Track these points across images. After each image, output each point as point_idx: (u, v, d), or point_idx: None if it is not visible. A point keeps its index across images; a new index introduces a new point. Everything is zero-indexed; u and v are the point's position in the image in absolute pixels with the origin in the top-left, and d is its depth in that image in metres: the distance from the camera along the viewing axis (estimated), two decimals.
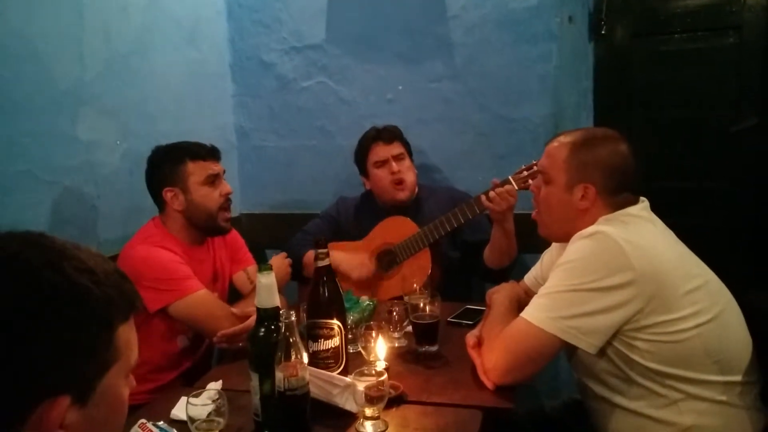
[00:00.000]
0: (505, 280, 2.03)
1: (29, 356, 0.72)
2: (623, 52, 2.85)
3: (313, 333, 1.64)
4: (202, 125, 2.84)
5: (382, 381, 1.43)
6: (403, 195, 2.61)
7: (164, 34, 2.67)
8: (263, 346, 1.41)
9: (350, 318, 1.92)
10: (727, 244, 2.67)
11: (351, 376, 1.50)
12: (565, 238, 1.65)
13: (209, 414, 1.40)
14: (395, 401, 1.55)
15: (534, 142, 2.72)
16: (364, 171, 2.71)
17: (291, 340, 1.36)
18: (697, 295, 1.50)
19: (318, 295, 1.67)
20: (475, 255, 2.51)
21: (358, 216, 2.74)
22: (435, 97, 2.91)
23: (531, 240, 2.16)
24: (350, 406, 1.47)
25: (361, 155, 2.70)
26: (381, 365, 1.65)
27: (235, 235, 2.39)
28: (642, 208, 1.63)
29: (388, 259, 2.59)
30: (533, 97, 2.76)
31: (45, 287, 0.74)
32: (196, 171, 2.12)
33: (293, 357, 1.36)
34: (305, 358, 1.39)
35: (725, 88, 2.72)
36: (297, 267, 2.47)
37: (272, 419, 1.41)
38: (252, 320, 1.67)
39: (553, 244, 1.93)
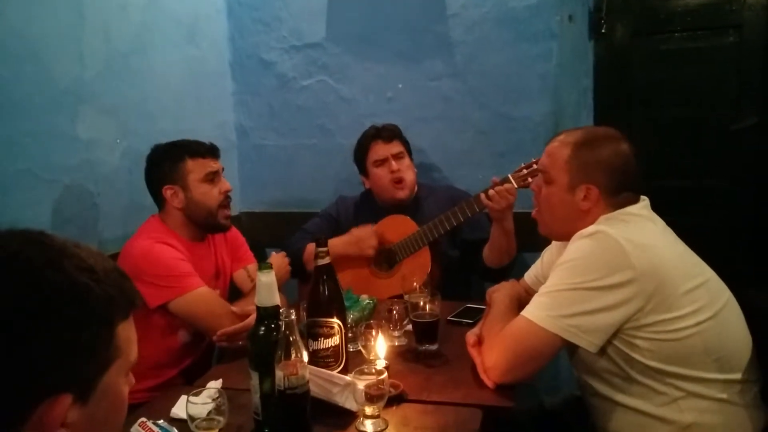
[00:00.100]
0: (504, 278, 2.03)
1: (30, 355, 0.72)
2: (623, 51, 2.85)
3: (313, 331, 1.64)
4: (202, 124, 2.84)
5: (382, 380, 1.43)
6: (402, 194, 2.61)
7: (164, 32, 2.67)
8: (263, 344, 1.40)
9: (350, 316, 1.91)
10: (727, 243, 2.67)
11: (351, 375, 1.50)
12: (565, 237, 1.65)
13: (209, 413, 1.40)
14: (395, 400, 1.55)
15: (534, 140, 2.72)
16: (363, 170, 2.71)
17: (291, 338, 1.36)
18: (697, 293, 1.50)
19: (318, 294, 1.67)
20: (474, 254, 2.51)
21: (358, 215, 2.74)
22: (435, 96, 2.91)
23: (531, 238, 2.16)
24: (350, 404, 1.47)
25: (360, 154, 2.70)
26: (381, 364, 1.65)
27: (235, 232, 2.40)
28: (642, 206, 1.63)
29: (387, 258, 2.59)
30: (533, 95, 2.76)
31: (45, 286, 0.74)
32: (195, 168, 2.13)
33: (293, 356, 1.36)
34: (305, 357, 1.38)
35: (725, 86, 2.72)
36: (296, 265, 2.47)
37: (272, 418, 1.41)
38: (252, 319, 1.67)
39: (553, 243, 1.93)
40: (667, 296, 1.46)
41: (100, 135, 2.32)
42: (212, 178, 2.16)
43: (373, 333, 1.72)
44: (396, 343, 1.93)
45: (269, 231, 3.08)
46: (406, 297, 2.01)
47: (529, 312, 1.54)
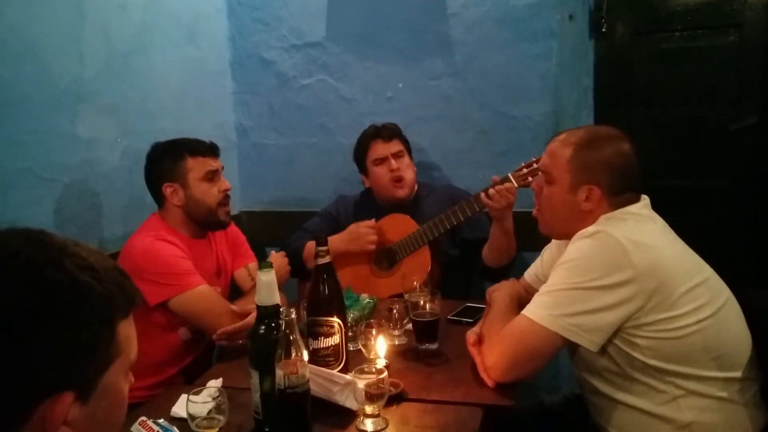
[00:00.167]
0: (504, 278, 2.03)
1: (32, 354, 0.72)
2: (624, 50, 2.85)
3: (313, 331, 1.64)
4: (202, 123, 2.84)
5: (383, 379, 1.43)
6: (402, 192, 2.61)
7: (164, 31, 2.67)
8: (263, 343, 1.40)
9: (350, 316, 1.91)
10: (727, 242, 2.67)
11: (351, 374, 1.50)
12: (566, 236, 1.66)
13: (210, 411, 1.40)
14: (395, 399, 1.55)
15: (534, 140, 2.72)
16: (363, 169, 2.71)
17: (291, 337, 1.36)
18: (697, 291, 1.50)
19: (318, 293, 1.67)
20: (474, 253, 2.51)
21: (358, 214, 2.74)
22: (435, 95, 2.91)
23: (530, 238, 2.17)
24: (350, 403, 1.47)
25: (360, 153, 2.70)
26: (381, 363, 1.65)
27: (236, 231, 2.41)
28: (643, 206, 1.63)
29: (388, 257, 2.59)
30: (533, 94, 2.76)
31: (46, 285, 0.74)
32: (195, 167, 2.13)
33: (293, 355, 1.36)
34: (305, 356, 1.38)
35: (726, 86, 2.72)
36: (296, 264, 2.47)
37: (272, 417, 1.41)
38: (252, 318, 1.67)
39: (553, 241, 1.93)
40: (667, 295, 1.46)
41: (100, 134, 2.32)
42: (212, 177, 2.16)
43: (373, 332, 1.72)
44: (396, 342, 1.93)
45: (269, 230, 3.08)
46: (406, 296, 2.01)
47: (530, 311, 1.54)
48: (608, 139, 1.64)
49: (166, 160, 2.13)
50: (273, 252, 2.30)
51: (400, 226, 2.56)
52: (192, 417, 1.39)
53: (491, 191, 2.28)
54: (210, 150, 2.19)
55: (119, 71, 2.41)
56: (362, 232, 2.53)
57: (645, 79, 2.84)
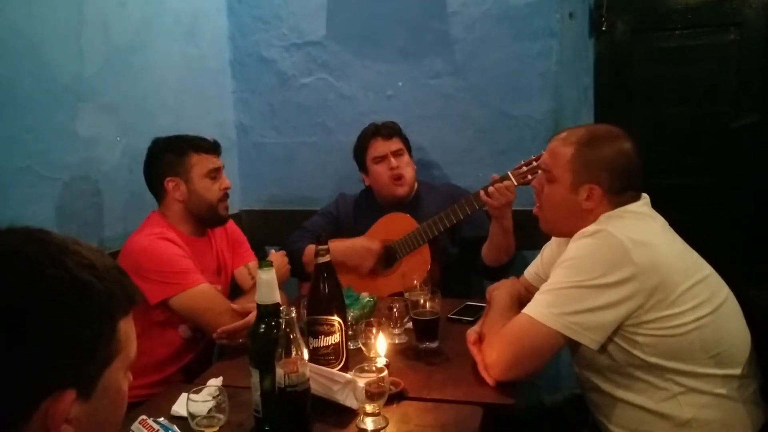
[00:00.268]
0: (503, 277, 2.04)
1: (35, 352, 0.72)
2: (624, 49, 2.85)
3: (313, 329, 1.64)
4: (202, 122, 2.83)
5: (383, 377, 1.43)
6: (402, 190, 2.61)
7: (164, 30, 2.66)
8: (264, 342, 1.40)
9: (350, 314, 1.91)
10: (726, 240, 2.67)
11: (351, 373, 1.50)
12: (567, 234, 1.66)
13: (210, 410, 1.40)
14: (396, 398, 1.55)
15: (534, 138, 2.72)
16: (363, 167, 2.71)
17: (291, 336, 1.36)
18: (697, 289, 1.51)
19: (318, 292, 1.67)
20: (473, 251, 2.51)
21: (358, 213, 2.74)
22: (435, 94, 2.90)
23: (530, 236, 2.17)
24: (351, 402, 1.47)
25: (360, 151, 2.70)
26: (381, 362, 1.64)
27: (236, 230, 2.41)
28: (643, 204, 1.64)
29: (387, 256, 2.58)
30: (533, 93, 2.76)
31: (47, 283, 0.74)
32: (199, 163, 2.14)
33: (293, 353, 1.36)
34: (305, 355, 1.39)
35: (725, 84, 2.72)
36: (296, 266, 2.47)
37: (273, 415, 1.41)
38: (252, 316, 1.67)
39: (553, 239, 1.93)
40: (667, 293, 1.47)
41: (100, 132, 2.32)
42: (214, 175, 2.17)
43: (374, 331, 1.72)
44: (396, 341, 1.93)
45: (269, 229, 3.08)
46: (406, 295, 2.01)
47: (531, 309, 1.55)
48: (609, 138, 1.64)
49: (170, 155, 2.13)
50: (272, 251, 2.30)
51: (399, 225, 2.56)
52: (192, 416, 1.39)
53: (490, 189, 2.28)
54: (213, 148, 2.20)
55: (119, 70, 2.41)
56: (362, 255, 2.53)
57: (645, 78, 2.84)
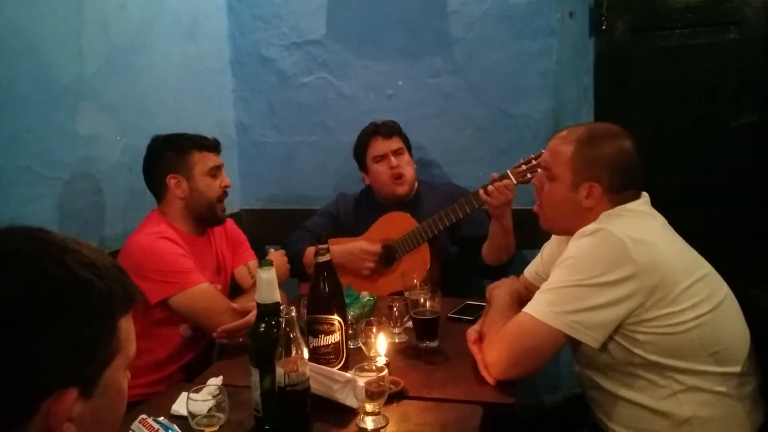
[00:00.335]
0: (503, 276, 2.03)
1: (36, 351, 0.72)
2: (624, 48, 2.85)
3: (313, 328, 1.64)
4: (202, 121, 2.83)
5: (383, 376, 1.43)
6: (402, 190, 2.61)
7: (164, 29, 2.66)
8: (264, 341, 1.40)
9: (351, 313, 1.92)
10: (726, 240, 2.67)
11: (351, 372, 1.50)
12: (567, 233, 1.67)
13: (210, 409, 1.40)
14: (396, 397, 1.55)
15: (534, 137, 2.72)
16: (363, 166, 2.71)
17: (291, 335, 1.36)
18: (697, 287, 1.51)
19: (318, 291, 1.67)
20: (473, 251, 2.51)
21: (358, 212, 2.74)
22: (435, 93, 2.90)
23: (530, 235, 2.17)
24: (351, 401, 1.47)
25: (360, 151, 2.70)
26: (381, 361, 1.65)
27: (236, 229, 2.41)
28: (643, 203, 1.64)
29: (387, 255, 2.58)
30: (534, 92, 2.76)
31: (49, 282, 0.74)
32: (201, 161, 2.15)
33: (294, 352, 1.36)
34: (306, 354, 1.39)
35: (725, 83, 2.72)
36: (296, 266, 2.47)
37: (273, 415, 1.41)
38: (252, 315, 1.67)
39: (553, 237, 1.94)
40: (667, 291, 1.47)
41: (100, 132, 2.32)
42: (215, 173, 2.18)
43: (374, 330, 1.72)
44: (396, 340, 1.93)
45: (269, 228, 3.08)
46: (406, 294, 2.01)
47: (532, 308, 1.55)
48: (609, 136, 1.65)
49: (171, 153, 2.13)
50: (272, 250, 2.30)
51: (399, 224, 2.56)
52: (192, 415, 1.39)
53: (490, 188, 2.28)
54: (214, 146, 2.21)
55: (119, 69, 2.41)
56: (362, 257, 2.52)
57: (645, 77, 2.84)
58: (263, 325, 1.42)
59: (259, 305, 1.44)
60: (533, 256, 2.05)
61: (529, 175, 2.25)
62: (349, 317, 1.86)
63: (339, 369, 1.60)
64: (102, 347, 0.78)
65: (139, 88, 2.52)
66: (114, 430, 0.85)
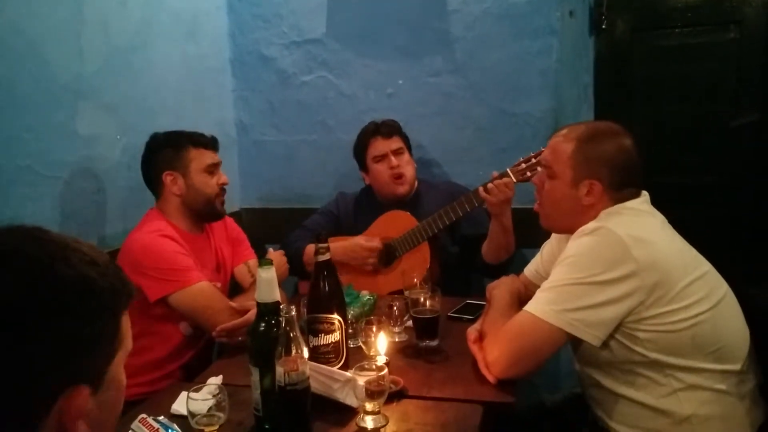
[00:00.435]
0: (503, 275, 2.03)
1: (50, 349, 0.72)
2: (624, 47, 2.85)
3: (313, 328, 1.64)
4: (202, 120, 2.83)
5: (383, 376, 1.43)
6: (402, 189, 2.61)
7: (164, 29, 2.66)
8: (264, 340, 1.41)
9: (351, 313, 1.92)
10: (726, 239, 2.67)
11: (351, 371, 1.50)
12: (567, 231, 1.67)
13: (210, 409, 1.40)
14: (396, 396, 1.55)
15: (534, 136, 2.72)
16: (363, 166, 2.71)
17: (291, 334, 1.36)
18: (696, 286, 1.51)
19: (318, 290, 1.67)
20: (473, 250, 2.51)
21: (358, 211, 2.74)
22: (435, 92, 2.90)
23: (530, 234, 2.17)
24: (351, 400, 1.47)
25: (360, 150, 2.70)
26: (381, 360, 1.65)
27: (236, 227, 2.42)
28: (642, 201, 1.64)
29: (387, 253, 2.58)
30: (534, 91, 2.76)
31: (58, 281, 0.75)
32: (197, 157, 2.15)
33: (293, 352, 1.36)
34: (305, 353, 1.39)
35: (725, 83, 2.72)
36: (295, 263, 2.48)
37: (273, 414, 1.41)
38: (251, 314, 1.67)
39: (553, 236, 1.94)
40: (667, 289, 1.47)
41: (100, 131, 2.32)
42: (212, 170, 2.18)
43: (374, 329, 1.72)
44: (396, 339, 1.93)
45: (269, 227, 3.08)
46: (406, 293, 2.01)
47: (533, 307, 1.55)
48: (610, 134, 1.65)
49: (168, 149, 2.14)
50: (270, 249, 2.30)
51: (399, 223, 2.56)
52: (192, 414, 1.39)
53: (489, 185, 2.29)
54: (211, 143, 2.22)
55: (119, 68, 2.41)
56: (363, 255, 2.53)
57: (645, 76, 2.84)
58: (263, 324, 1.42)
59: (259, 304, 1.44)
60: (533, 255, 2.05)
61: (528, 174, 2.25)
62: (349, 316, 1.86)
63: (339, 368, 1.60)
64: (108, 344, 0.79)
65: (139, 87, 2.52)
66: (115, 423, 0.85)
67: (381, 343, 1.70)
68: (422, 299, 1.89)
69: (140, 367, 1.99)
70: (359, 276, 2.52)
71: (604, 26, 2.85)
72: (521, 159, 2.33)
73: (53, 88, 2.11)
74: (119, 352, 0.82)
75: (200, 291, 2.01)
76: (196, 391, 1.43)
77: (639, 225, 1.55)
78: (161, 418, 1.46)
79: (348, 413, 1.48)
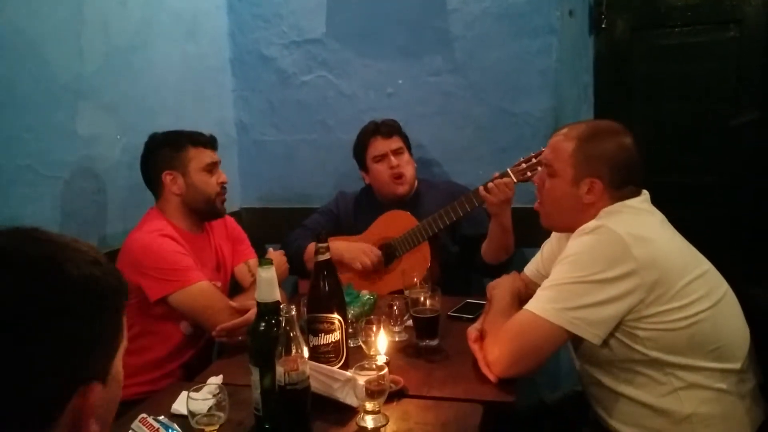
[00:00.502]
0: (503, 274, 2.03)
1: (64, 348, 0.73)
2: (623, 46, 2.85)
3: (313, 327, 1.64)
4: (201, 120, 2.83)
5: (383, 375, 1.43)
6: (402, 189, 2.61)
7: (164, 28, 2.66)
8: (264, 340, 1.41)
9: (351, 312, 1.92)
10: (726, 238, 2.67)
11: (352, 371, 1.50)
12: (567, 229, 1.67)
13: (210, 408, 1.40)
14: (396, 395, 1.55)
15: (534, 136, 2.72)
16: (363, 166, 2.71)
17: (291, 334, 1.36)
18: (696, 284, 1.52)
19: (318, 290, 1.67)
20: (473, 249, 2.51)
21: (358, 211, 2.74)
22: (435, 91, 2.90)
23: (530, 233, 2.17)
24: (351, 400, 1.47)
25: (360, 150, 2.70)
26: (381, 359, 1.65)
27: (237, 227, 2.42)
28: (643, 200, 1.65)
29: (387, 253, 2.58)
30: (533, 91, 2.76)
31: (68, 281, 0.75)
32: (196, 156, 2.16)
33: (294, 351, 1.36)
34: (306, 353, 1.39)
35: (725, 82, 2.72)
36: (295, 262, 2.47)
37: (273, 414, 1.41)
38: (251, 314, 1.67)
39: (553, 235, 1.94)
40: (667, 288, 1.47)
41: (100, 131, 2.32)
42: (211, 169, 2.19)
43: (374, 328, 1.72)
44: (396, 339, 1.93)
45: (269, 227, 3.08)
46: (406, 292, 2.01)
47: (533, 305, 1.55)
48: (610, 133, 1.65)
49: (167, 149, 2.14)
50: (270, 249, 2.30)
51: (399, 222, 2.56)
52: (192, 414, 1.39)
53: (490, 185, 2.29)
54: (210, 142, 2.22)
55: (119, 68, 2.41)
56: (363, 261, 2.51)
57: (645, 75, 2.84)
58: (263, 324, 1.42)
59: (259, 304, 1.44)
60: (533, 255, 2.05)
61: (529, 174, 2.26)
62: (349, 316, 1.86)
63: (339, 368, 1.60)
64: (113, 339, 0.81)
65: (139, 87, 2.52)
66: (114, 414, 0.86)
67: (381, 343, 1.70)
68: (422, 299, 1.89)
69: (140, 366, 1.99)
70: (359, 276, 2.53)
71: (603, 25, 2.85)
72: (521, 159, 2.33)
73: (53, 88, 2.11)
74: (120, 346, 0.83)
75: (200, 291, 2.01)
76: (197, 390, 1.43)
77: (639, 223, 1.56)
78: (161, 417, 1.46)
79: (348, 413, 1.48)
